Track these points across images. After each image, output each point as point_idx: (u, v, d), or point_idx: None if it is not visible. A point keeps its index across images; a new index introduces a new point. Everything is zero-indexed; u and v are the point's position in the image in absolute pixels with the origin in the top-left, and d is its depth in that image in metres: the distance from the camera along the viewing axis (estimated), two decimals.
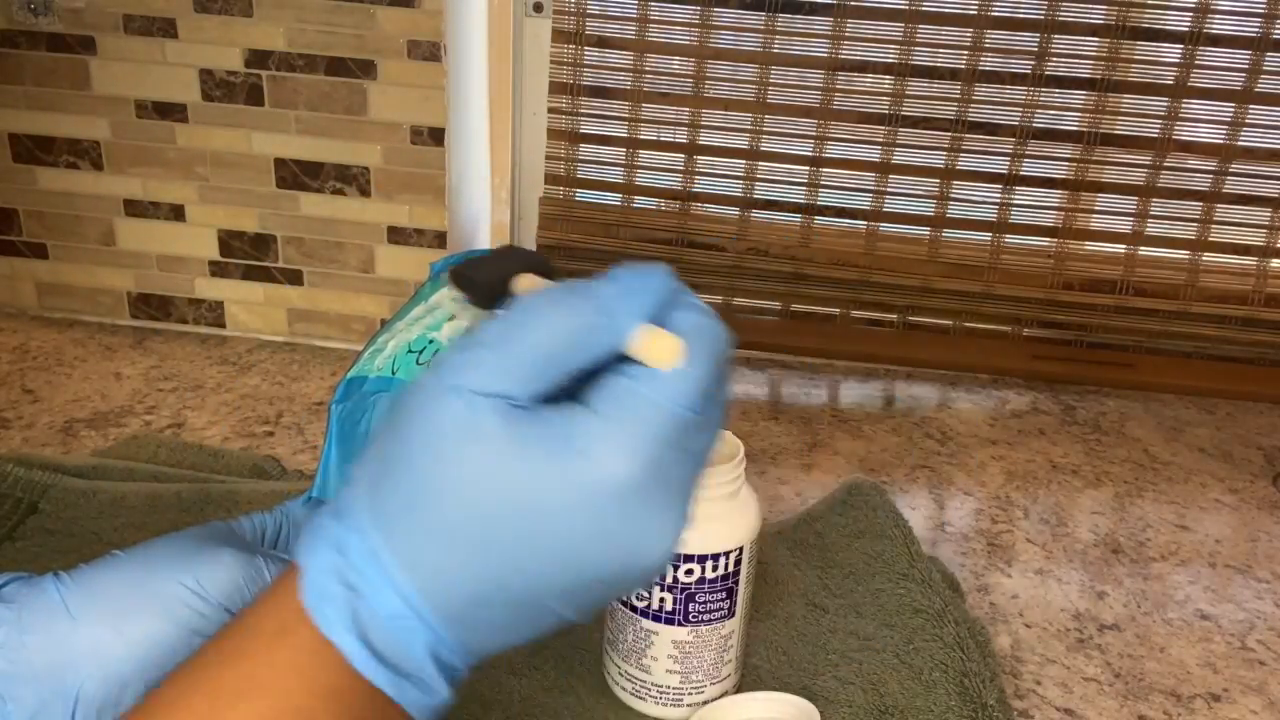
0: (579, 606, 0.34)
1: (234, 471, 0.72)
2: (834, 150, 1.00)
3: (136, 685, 0.37)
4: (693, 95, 0.99)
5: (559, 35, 0.97)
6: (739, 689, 0.52)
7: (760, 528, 0.49)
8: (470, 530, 0.32)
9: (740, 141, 1.01)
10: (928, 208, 1.02)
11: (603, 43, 0.98)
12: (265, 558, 0.41)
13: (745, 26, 0.97)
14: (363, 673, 0.32)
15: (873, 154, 1.00)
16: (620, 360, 0.33)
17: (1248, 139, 0.97)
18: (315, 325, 0.99)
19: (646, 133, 1.01)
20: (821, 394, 0.96)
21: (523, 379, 0.32)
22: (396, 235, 0.94)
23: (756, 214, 1.03)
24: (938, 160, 1.00)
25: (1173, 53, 0.95)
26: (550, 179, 1.03)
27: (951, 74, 0.97)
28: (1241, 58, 0.94)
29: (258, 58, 0.89)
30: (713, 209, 1.03)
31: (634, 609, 0.49)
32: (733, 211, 1.03)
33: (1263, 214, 1.00)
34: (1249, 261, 1.01)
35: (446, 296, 0.45)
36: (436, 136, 0.90)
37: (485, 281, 0.41)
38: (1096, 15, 0.94)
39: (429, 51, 0.88)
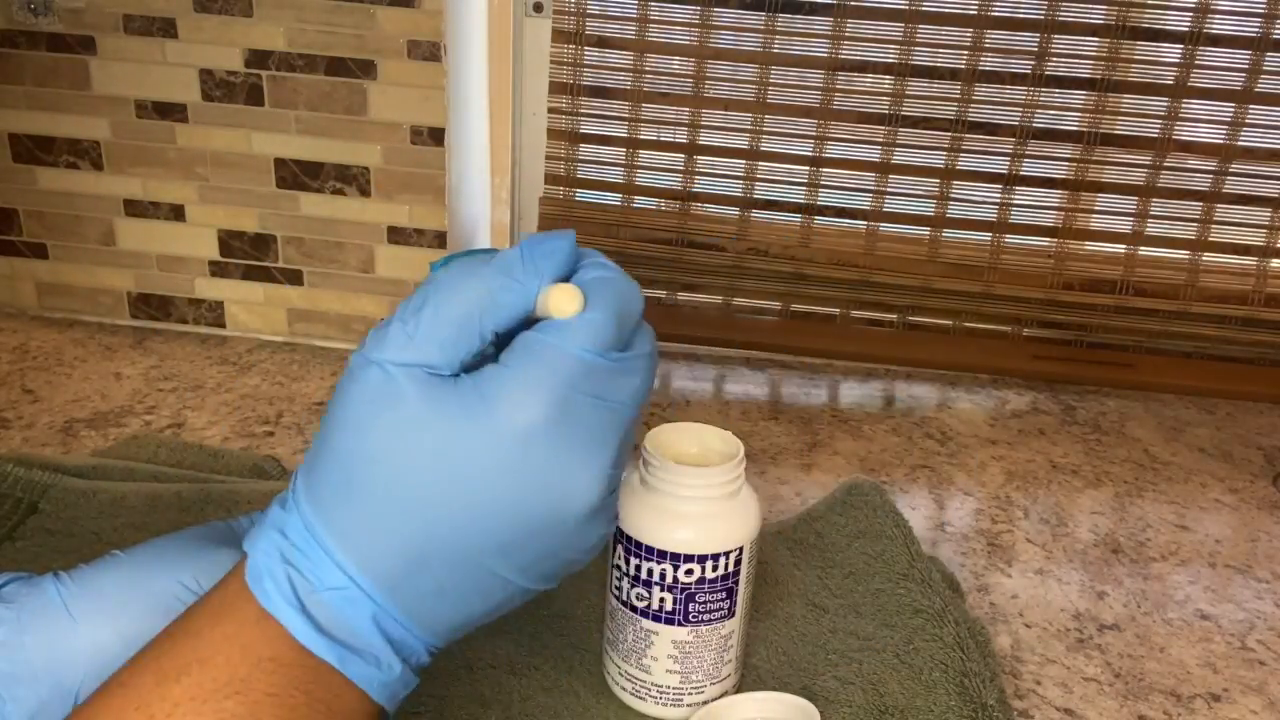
0: (521, 566, 0.34)
1: (234, 471, 0.72)
2: (834, 150, 1.00)
3: None
4: (693, 95, 0.99)
5: (559, 35, 0.97)
6: (739, 689, 0.52)
7: (760, 528, 0.49)
8: (395, 493, 0.32)
9: (740, 141, 1.01)
10: (928, 208, 1.02)
11: (603, 43, 0.98)
12: None
13: (745, 26, 0.97)
14: (303, 643, 0.32)
15: (873, 154, 1.00)
16: (535, 323, 0.34)
17: (1248, 139, 0.97)
18: (315, 325, 0.99)
19: (646, 133, 1.01)
20: (821, 394, 0.96)
21: (438, 346, 0.33)
22: (396, 235, 0.94)
23: (756, 214, 1.03)
24: (938, 160, 1.00)
25: (1173, 53, 0.95)
26: (550, 179, 1.03)
27: (951, 74, 0.97)
28: (1241, 58, 0.94)
29: (258, 58, 0.89)
30: (713, 209, 1.03)
31: (634, 609, 0.49)
32: (733, 211, 1.03)
33: (1263, 214, 1.00)
34: (1249, 261, 1.01)
35: None
36: (436, 136, 0.90)
37: None
38: (1096, 15, 0.94)
39: (429, 51, 0.88)
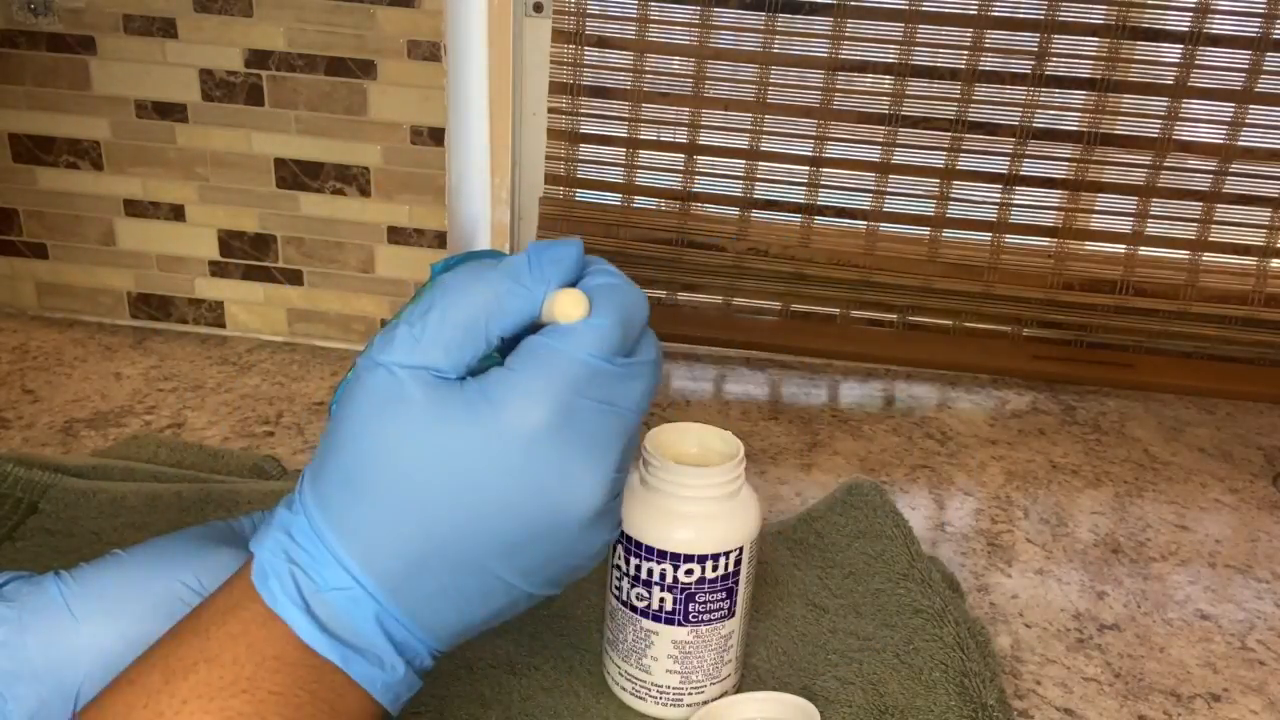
0: (523, 570, 0.34)
1: (234, 471, 0.72)
2: (834, 150, 1.00)
3: None
4: (693, 95, 0.99)
5: (559, 35, 0.97)
6: (739, 689, 0.52)
7: (760, 528, 0.49)
8: (399, 494, 0.33)
9: (740, 141, 1.01)
10: (928, 208, 1.02)
11: (603, 43, 0.98)
12: None
13: (745, 26, 0.97)
14: (307, 642, 0.32)
15: (873, 154, 1.00)
16: (541, 328, 0.35)
17: (1248, 139, 0.97)
18: (315, 325, 0.99)
19: (646, 133, 1.01)
20: (821, 394, 0.96)
21: (444, 350, 0.33)
22: (396, 235, 0.94)
23: (756, 214, 1.03)
24: (938, 160, 1.00)
25: (1173, 53, 0.95)
26: (550, 179, 1.03)
27: (951, 74, 0.97)
28: (1241, 58, 0.94)
29: (258, 58, 0.89)
30: (713, 209, 1.03)
31: (634, 609, 0.49)
32: (733, 211, 1.03)
33: (1263, 214, 1.00)
34: (1249, 261, 1.01)
35: None
36: (436, 136, 0.90)
37: None
38: (1096, 15, 0.94)
39: (429, 51, 0.88)
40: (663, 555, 0.47)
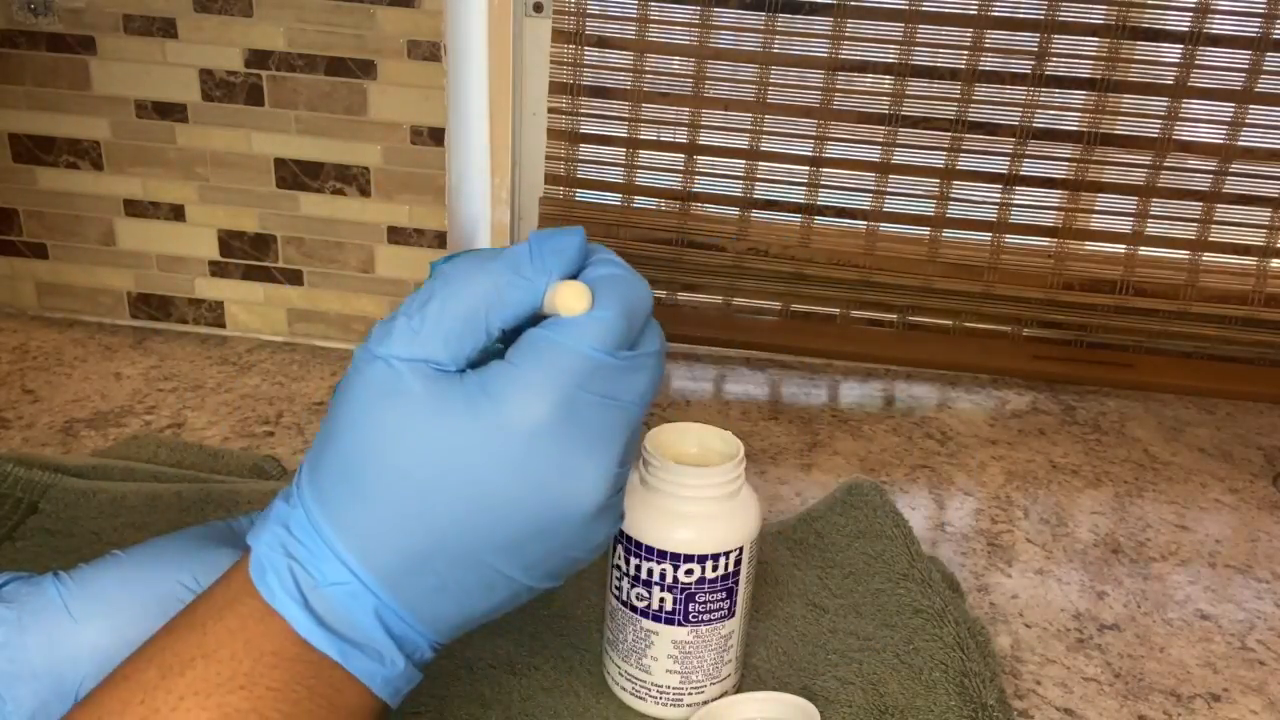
0: (525, 564, 0.34)
1: (234, 471, 0.72)
2: (834, 150, 1.00)
3: None
4: (693, 95, 0.99)
5: (559, 35, 0.97)
6: (739, 689, 0.52)
7: (760, 528, 0.49)
8: (398, 488, 0.32)
9: (740, 141, 1.01)
10: (928, 208, 1.02)
11: (603, 43, 0.98)
12: None
13: (745, 26, 0.97)
14: (305, 637, 0.32)
15: (873, 154, 1.00)
16: (543, 320, 0.34)
17: (1248, 139, 0.97)
18: (315, 325, 0.99)
19: (646, 133, 1.01)
20: (821, 394, 0.96)
21: (443, 342, 0.33)
22: (396, 235, 0.94)
23: (756, 214, 1.03)
24: (938, 160, 1.00)
25: (1173, 53, 0.95)
26: (550, 179, 1.03)
27: (951, 74, 0.97)
28: (1241, 58, 0.94)
29: (258, 58, 0.89)
30: (713, 209, 1.03)
31: (634, 609, 0.49)
32: (733, 211, 1.03)
33: (1263, 214, 1.00)
34: (1249, 261, 1.01)
35: None
36: (436, 136, 0.90)
37: None
38: (1096, 15, 0.94)
39: (429, 51, 0.88)
40: (663, 555, 0.47)
